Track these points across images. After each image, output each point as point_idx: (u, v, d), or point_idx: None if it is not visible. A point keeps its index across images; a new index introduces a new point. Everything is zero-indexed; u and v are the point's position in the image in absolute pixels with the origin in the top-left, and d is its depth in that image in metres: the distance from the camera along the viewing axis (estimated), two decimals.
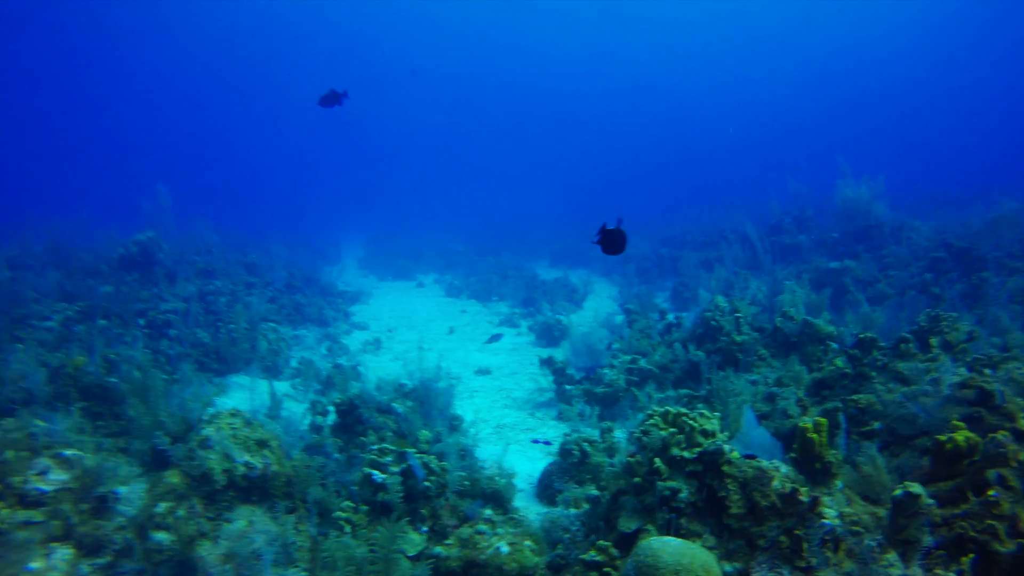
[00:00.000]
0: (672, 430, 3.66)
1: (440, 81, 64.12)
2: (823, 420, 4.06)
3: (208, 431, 4.45)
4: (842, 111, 56.06)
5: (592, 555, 3.40)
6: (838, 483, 4.07)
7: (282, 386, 9.01)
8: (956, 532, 3.26)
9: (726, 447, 3.60)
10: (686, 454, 3.61)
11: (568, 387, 7.59)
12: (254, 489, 4.56)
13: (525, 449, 6.84)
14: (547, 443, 6.77)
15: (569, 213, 32.02)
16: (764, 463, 3.65)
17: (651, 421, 3.83)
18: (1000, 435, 3.40)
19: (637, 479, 3.70)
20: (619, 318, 10.02)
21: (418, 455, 4.57)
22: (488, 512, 4.30)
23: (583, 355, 8.16)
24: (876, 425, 4.88)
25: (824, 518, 3.21)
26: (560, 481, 5.44)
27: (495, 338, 7.11)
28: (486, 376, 9.65)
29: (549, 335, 11.37)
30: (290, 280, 14.37)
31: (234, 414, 4.73)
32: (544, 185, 45.79)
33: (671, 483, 3.61)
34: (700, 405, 6.04)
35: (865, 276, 10.67)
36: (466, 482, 4.70)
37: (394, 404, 6.29)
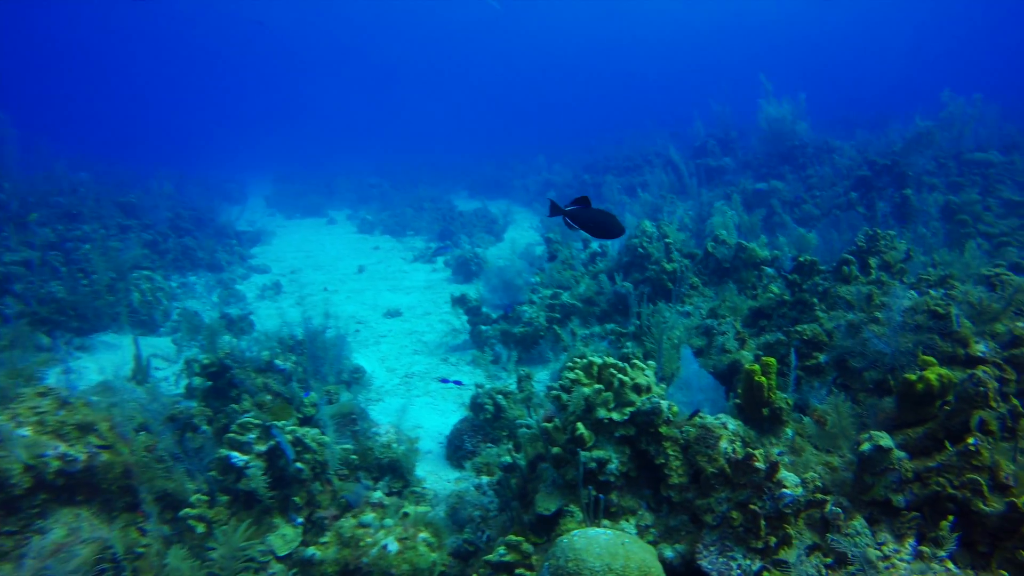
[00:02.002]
0: (597, 386, 2.92)
1: (359, 14, 59.57)
2: (771, 360, 3.44)
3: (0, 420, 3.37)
4: (761, 33, 56.12)
5: (500, 554, 2.67)
6: (788, 431, 3.50)
7: (162, 343, 7.80)
8: (931, 489, 2.71)
9: (663, 404, 2.90)
10: (615, 416, 2.89)
11: (484, 328, 6.82)
12: (78, 487, 3.56)
13: (436, 401, 6.06)
14: (458, 383, 6.02)
15: (491, 143, 30.73)
16: (709, 419, 2.99)
17: (572, 375, 3.07)
18: (980, 371, 2.85)
19: (556, 449, 2.97)
20: (540, 249, 9.25)
21: (292, 427, 3.67)
22: (378, 495, 3.50)
23: (500, 291, 7.37)
24: (822, 358, 4.36)
25: (784, 486, 2.58)
26: (472, 440, 4.71)
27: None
28: (396, 319, 8.75)
29: (466, 270, 10.52)
30: (176, 221, 12.74)
31: (43, 393, 3.65)
32: (467, 118, 43.92)
33: (598, 453, 2.90)
34: (629, 343, 5.40)
35: (792, 197, 10.31)
36: (353, 456, 3.87)
37: (277, 361, 5.31)
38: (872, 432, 2.84)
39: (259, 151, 34.67)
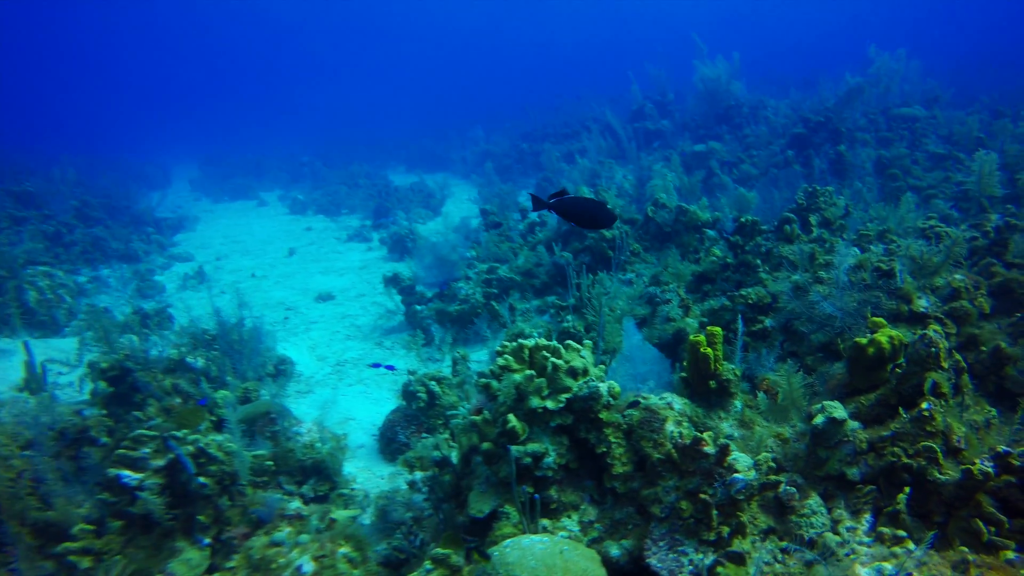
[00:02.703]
0: (529, 372, 2.61)
1: None
2: (717, 330, 3.20)
3: None
4: None
5: (426, 570, 2.35)
6: (737, 404, 3.29)
7: (66, 344, 7.09)
8: (886, 460, 2.54)
9: (602, 387, 2.62)
10: (550, 404, 2.59)
11: (418, 308, 6.44)
12: None
13: (370, 389, 5.68)
14: (390, 368, 5.65)
15: (430, 116, 29.85)
16: (653, 400, 2.73)
17: (501, 360, 2.75)
18: (931, 331, 2.68)
19: (487, 445, 2.66)
20: (476, 221, 8.86)
21: (196, 436, 3.24)
22: (295, 505, 3.13)
23: (435, 268, 6.99)
24: (768, 322, 4.19)
25: (736, 471, 2.35)
26: (406, 432, 4.37)
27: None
28: (328, 303, 8.26)
29: (403, 247, 10.06)
30: (83, 210, 11.74)
31: None
32: (405, 91, 42.55)
33: (533, 446, 2.60)
34: (569, 317, 5.13)
35: (730, 158, 10.21)
36: (269, 462, 3.48)
37: (188, 358, 4.82)
38: (825, 403, 2.64)
39: (184, 132, 32.77)
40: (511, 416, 2.60)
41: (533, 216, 8.25)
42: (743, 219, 4.98)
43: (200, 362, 4.74)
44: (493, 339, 5.64)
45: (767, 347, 3.77)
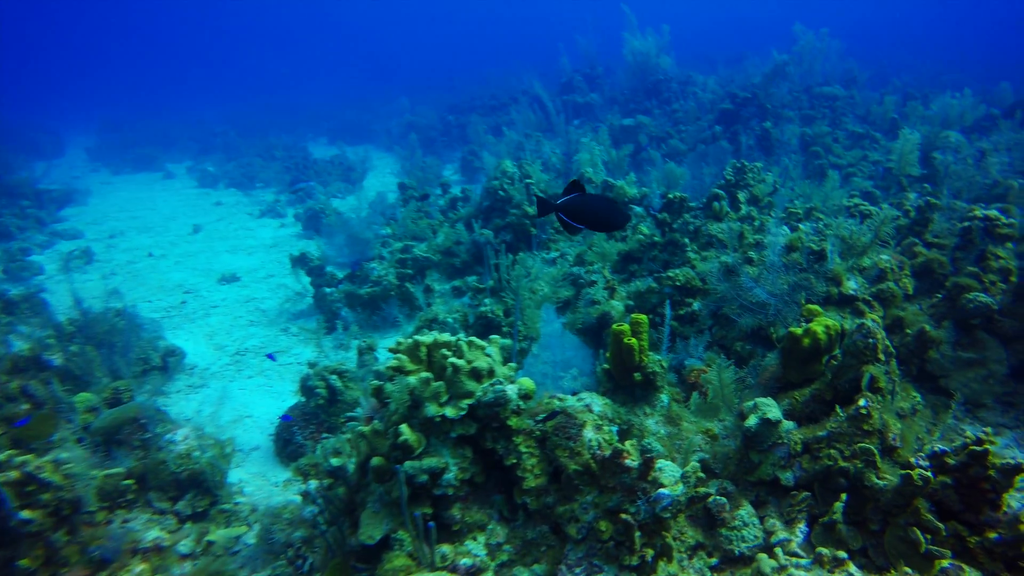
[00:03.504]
0: (425, 375, 2.21)
1: None
2: (642, 318, 2.90)
3: None
4: None
5: None
6: (663, 397, 3.01)
7: None
8: (822, 464, 2.30)
9: (511, 390, 2.25)
10: (449, 412, 2.20)
11: (328, 290, 5.90)
12: None
13: (271, 382, 5.14)
14: (270, 357, 5.13)
15: (355, 86, 28.53)
16: (570, 402, 2.39)
17: (394, 359, 2.34)
18: (869, 321, 2.45)
19: (378, 460, 2.25)
20: (393, 196, 8.31)
21: (23, 457, 2.67)
22: (153, 535, 2.63)
23: (347, 247, 6.44)
24: (696, 305, 3.94)
25: (661, 485, 2.04)
26: (305, 432, 3.90)
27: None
28: (233, 285, 7.56)
29: (318, 224, 9.36)
30: None
31: None
32: (330, 61, 40.54)
33: (430, 461, 2.21)
34: (487, 300, 4.75)
35: (659, 132, 10.03)
36: (126, 480, 2.95)
37: (45, 354, 4.15)
38: (758, 401, 2.38)
39: (85, 97, 30.01)
40: (404, 427, 2.20)
41: (456, 191, 7.79)
42: (671, 195, 4.72)
43: (58, 359, 4.09)
44: (408, 324, 5.20)
45: (695, 332, 3.52)
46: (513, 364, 2.46)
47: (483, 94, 16.72)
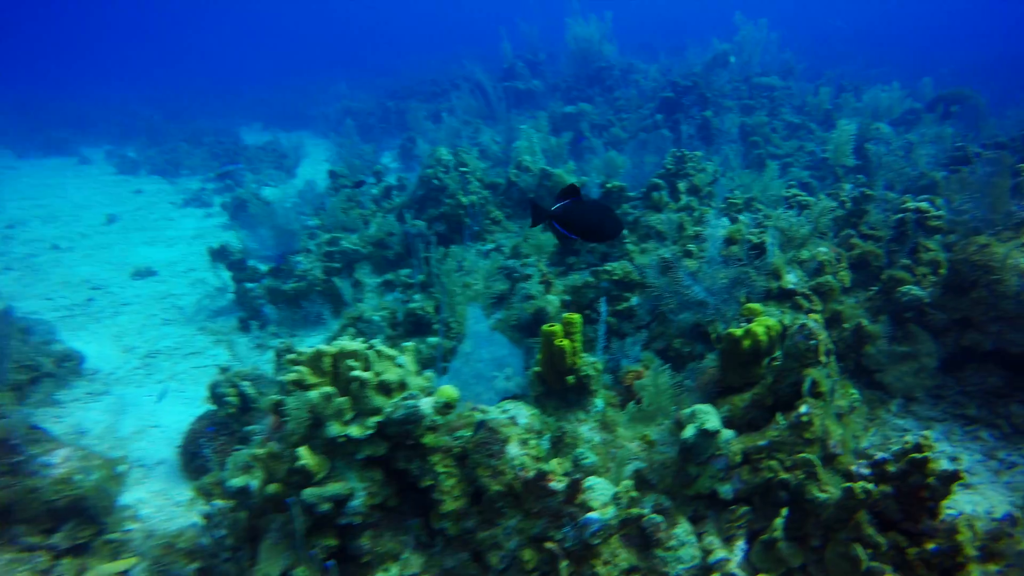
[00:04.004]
0: (327, 390, 1.95)
1: None
2: (575, 318, 2.70)
3: None
4: None
5: None
6: (598, 402, 2.83)
7: None
8: (762, 476, 2.16)
9: (425, 404, 2.01)
10: (354, 431, 1.94)
11: (250, 285, 5.50)
12: None
13: (185, 387, 4.74)
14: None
15: (293, 68, 27.39)
16: (492, 415, 2.17)
17: (294, 372, 2.06)
18: (811, 320, 2.32)
19: (273, 487, 1.98)
20: (324, 184, 7.89)
21: None
22: None
23: (273, 239, 6.04)
24: (634, 300, 3.78)
25: (590, 508, 1.85)
26: (213, 445, 3.56)
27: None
28: (148, 280, 7.02)
29: (246, 213, 8.84)
30: None
31: None
32: (265, 45, 38.80)
33: (334, 487, 1.95)
34: (417, 296, 4.49)
35: (600, 120, 9.90)
36: None
37: None
38: (696, 409, 2.21)
39: None
40: (303, 451, 1.93)
41: (392, 179, 7.46)
42: (609, 185, 4.54)
43: None
44: (335, 321, 4.88)
45: (634, 330, 3.36)
46: (430, 373, 2.21)
47: (424, 79, 16.27)
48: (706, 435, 2.10)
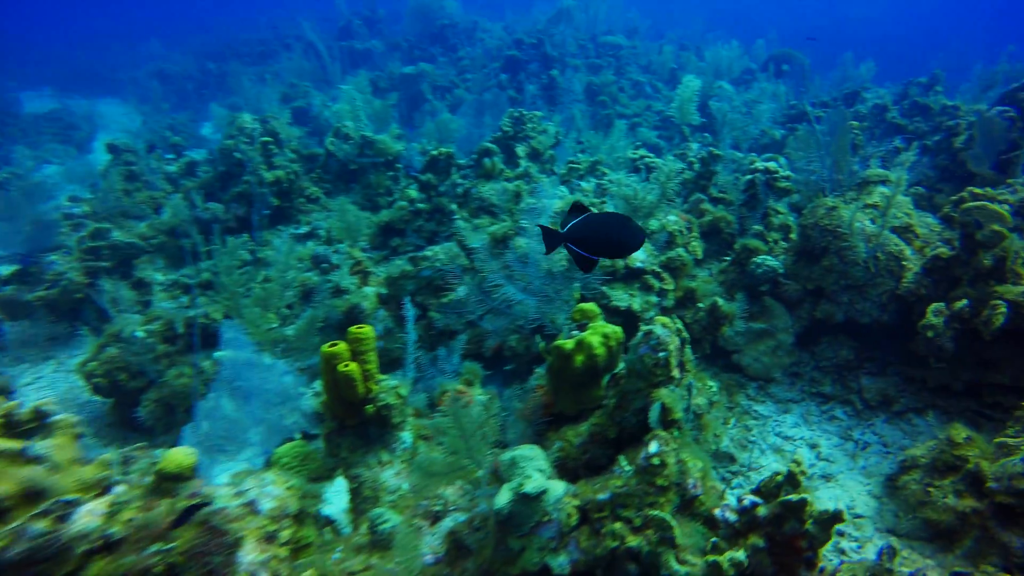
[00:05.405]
0: None
1: None
2: (366, 332, 2.01)
3: None
4: None
5: None
6: (405, 436, 2.18)
7: None
8: (605, 544, 1.61)
9: (80, 525, 1.23)
10: None
11: None
12: None
13: None
14: None
15: (97, 22, 23.66)
16: (220, 502, 1.43)
17: None
18: (658, 326, 1.78)
19: None
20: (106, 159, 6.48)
21: None
22: None
23: (24, 231, 4.74)
24: (461, 291, 3.14)
25: None
26: None
27: None
28: None
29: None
30: None
31: None
32: None
33: None
34: (200, 299, 3.57)
35: (443, 82, 9.10)
36: None
37: None
38: (515, 456, 1.61)
39: None
40: None
41: (196, 154, 6.25)
42: (435, 151, 3.84)
43: None
44: (96, 338, 3.81)
45: (448, 346, 2.71)
46: (110, 454, 1.42)
47: (250, 40, 14.49)
48: (527, 500, 1.51)
